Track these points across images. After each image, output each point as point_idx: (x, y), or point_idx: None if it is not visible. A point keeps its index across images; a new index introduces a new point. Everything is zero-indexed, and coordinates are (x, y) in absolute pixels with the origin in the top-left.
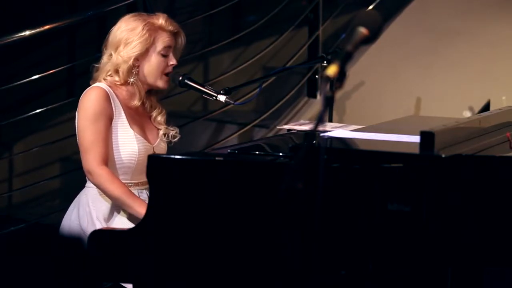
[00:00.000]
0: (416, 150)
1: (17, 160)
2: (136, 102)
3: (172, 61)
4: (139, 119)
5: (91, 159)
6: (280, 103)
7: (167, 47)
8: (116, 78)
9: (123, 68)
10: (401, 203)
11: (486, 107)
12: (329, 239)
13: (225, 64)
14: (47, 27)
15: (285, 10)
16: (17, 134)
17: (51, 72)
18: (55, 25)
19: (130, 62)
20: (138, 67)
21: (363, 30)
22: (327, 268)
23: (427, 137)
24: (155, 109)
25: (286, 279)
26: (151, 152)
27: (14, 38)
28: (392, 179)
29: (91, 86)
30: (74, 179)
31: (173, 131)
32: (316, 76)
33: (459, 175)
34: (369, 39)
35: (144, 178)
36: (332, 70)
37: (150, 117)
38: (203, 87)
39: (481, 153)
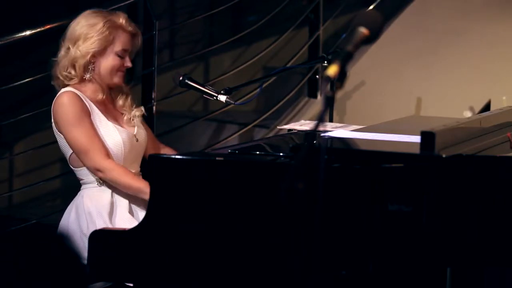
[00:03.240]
0: (417, 150)
1: (18, 160)
2: (100, 96)
3: (128, 63)
4: (111, 112)
5: (96, 156)
6: (281, 103)
7: (124, 50)
8: (73, 73)
9: (79, 63)
10: (401, 203)
11: (487, 107)
12: (329, 239)
13: (225, 64)
14: (47, 27)
15: (285, 10)
16: (18, 134)
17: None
18: (56, 25)
19: (88, 57)
20: (94, 63)
21: (363, 30)
22: (328, 268)
23: (427, 137)
24: (117, 96)
25: (286, 279)
26: (134, 140)
27: (14, 38)
28: (392, 179)
29: (59, 93)
30: (75, 179)
31: (138, 112)
32: (317, 76)
33: (459, 175)
34: (370, 39)
35: (134, 168)
36: (332, 70)
37: (116, 107)
38: (203, 87)
39: (481, 153)
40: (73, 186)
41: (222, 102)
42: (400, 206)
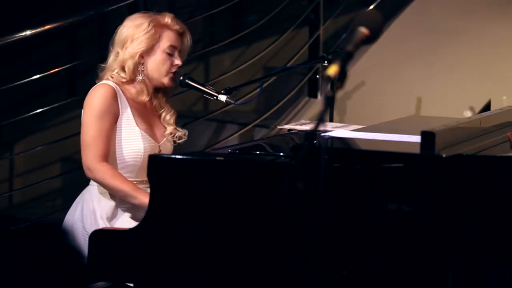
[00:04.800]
0: (417, 150)
1: (18, 160)
2: (144, 98)
3: (177, 61)
4: (147, 116)
5: (91, 155)
6: (281, 103)
7: (172, 46)
8: (123, 75)
9: (129, 65)
10: (401, 203)
11: (487, 107)
12: (329, 239)
13: (226, 64)
14: (48, 27)
15: (285, 10)
16: (18, 134)
17: (52, 72)
18: (56, 25)
19: (136, 58)
20: (143, 64)
21: (363, 30)
22: (328, 268)
23: (428, 137)
24: (163, 108)
25: (286, 279)
26: (156, 150)
27: (14, 38)
28: (392, 179)
29: (98, 83)
30: (75, 179)
31: (180, 133)
32: (317, 76)
33: (460, 175)
34: (370, 39)
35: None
36: (332, 70)
37: (159, 116)
38: (204, 87)
39: (481, 153)
40: (73, 186)
41: (222, 102)
42: (400, 206)
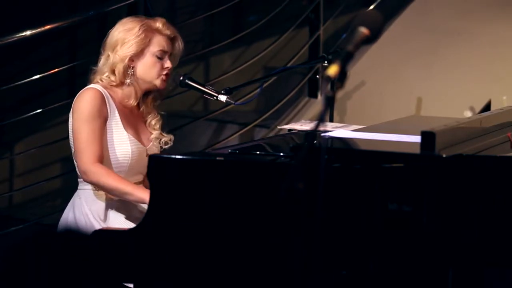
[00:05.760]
0: (417, 150)
1: (18, 160)
2: (132, 102)
3: (167, 64)
4: (134, 120)
5: (85, 159)
6: (281, 103)
7: (162, 51)
8: (112, 78)
9: (119, 68)
10: (402, 203)
11: (487, 107)
12: (330, 239)
13: (226, 64)
14: (48, 27)
15: (286, 10)
16: (18, 134)
17: (52, 72)
18: (56, 25)
19: (126, 61)
20: (133, 67)
21: (364, 30)
22: (328, 268)
23: (428, 137)
24: (149, 114)
25: (287, 279)
26: (144, 154)
27: (14, 38)
28: (393, 179)
29: (85, 88)
30: (75, 179)
31: (166, 138)
32: (317, 76)
33: (460, 175)
34: (370, 39)
35: (137, 179)
36: (333, 70)
37: (145, 121)
38: (204, 87)
39: (482, 153)
40: (73, 186)
41: (222, 102)
42: (401, 206)
